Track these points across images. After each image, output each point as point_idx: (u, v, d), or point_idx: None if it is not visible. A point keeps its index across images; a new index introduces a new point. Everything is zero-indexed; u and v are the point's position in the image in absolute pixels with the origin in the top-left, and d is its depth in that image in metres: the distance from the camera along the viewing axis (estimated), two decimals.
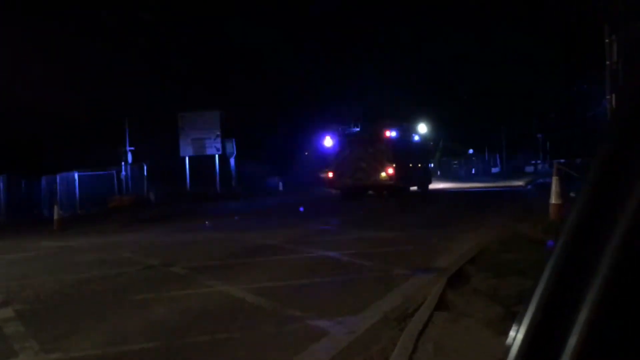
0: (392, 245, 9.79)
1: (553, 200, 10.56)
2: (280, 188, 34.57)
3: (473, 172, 60.31)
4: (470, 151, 63.87)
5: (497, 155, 63.53)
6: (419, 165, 28.16)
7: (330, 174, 24.64)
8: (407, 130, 27.66)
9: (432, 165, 36.39)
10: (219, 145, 31.33)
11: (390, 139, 24.03)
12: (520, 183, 36.15)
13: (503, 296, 5.31)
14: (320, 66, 44.98)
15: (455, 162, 62.24)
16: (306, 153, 51.57)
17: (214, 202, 25.36)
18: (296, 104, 43.21)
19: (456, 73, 53.63)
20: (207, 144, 31.17)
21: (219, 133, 31.27)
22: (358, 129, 25.52)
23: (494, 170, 60.59)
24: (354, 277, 7.00)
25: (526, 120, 58.31)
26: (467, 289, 5.81)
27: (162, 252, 10.08)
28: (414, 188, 26.73)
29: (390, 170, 23.44)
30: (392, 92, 46.34)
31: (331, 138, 24.58)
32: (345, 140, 24.25)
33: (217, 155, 31.72)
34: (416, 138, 28.47)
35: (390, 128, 24.58)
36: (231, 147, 33.39)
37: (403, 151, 24.90)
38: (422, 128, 32.92)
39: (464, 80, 54.21)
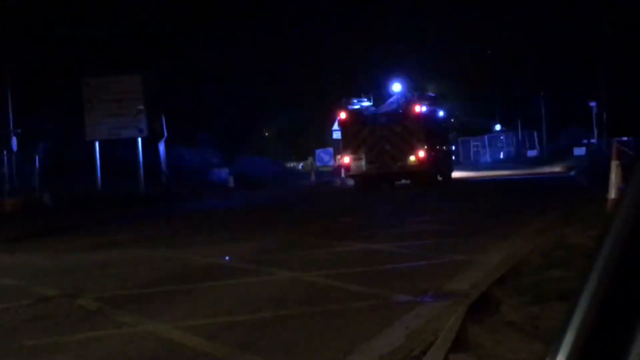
0: (393, 260, 9.87)
1: (612, 194, 10.72)
2: (231, 184, 34.59)
3: (501, 156, 60.91)
4: (497, 127, 64.52)
5: (535, 133, 64.14)
6: (444, 147, 30.38)
7: (347, 159, 26.66)
8: (435, 102, 29.82)
9: (454, 147, 38.24)
10: (142, 125, 31.06)
11: (421, 115, 26.22)
12: (557, 169, 37.66)
13: (546, 330, 5.37)
14: (289, 16, 45.05)
15: (477, 142, 62.88)
16: (266, 134, 51.76)
17: (138, 205, 25.21)
18: (254, 67, 43.20)
19: (476, 19, 53.97)
20: (124, 122, 30.87)
21: (141, 107, 30.96)
22: (369, 102, 27.70)
23: (531, 153, 61.20)
24: (337, 307, 7.03)
25: (575, 83, 58.91)
26: (496, 321, 5.86)
27: (62, 278, 9.97)
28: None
29: (422, 154, 25.73)
30: (387, 47, 46.67)
31: (346, 114, 26.62)
32: (361, 118, 26.35)
33: (139, 139, 31.45)
34: (440, 113, 30.63)
35: (422, 101, 27.05)
36: (160, 127, 33.13)
37: (433, 131, 27.36)
38: (410, 88, 33.26)
39: (488, 27, 54.58)
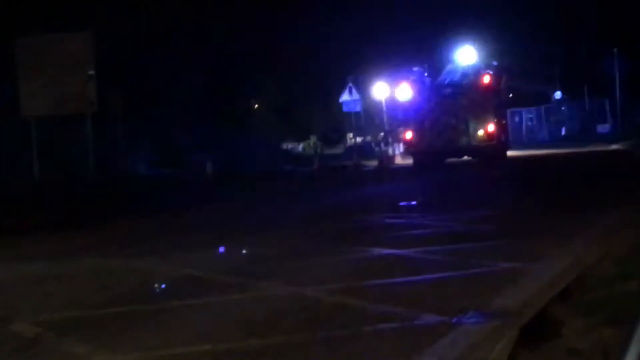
0: (423, 269, 9.87)
1: None
2: (209, 170, 34.64)
3: (563, 132, 60.73)
4: (557, 95, 64.26)
5: (607, 101, 63.84)
6: (504, 122, 35.08)
7: (410, 134, 31.54)
8: (500, 71, 34.78)
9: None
10: (93, 97, 31.02)
11: (490, 86, 31.08)
12: (615, 146, 38.67)
13: None
14: None
15: (531, 115, 62.65)
16: (256, 106, 51.67)
17: (89, 200, 25.22)
18: (239, 22, 43.10)
19: None
20: (71, 94, 30.82)
21: (92, 73, 30.92)
22: (424, 72, 32.72)
23: (602, 129, 60.95)
24: (349, 332, 7.01)
25: None
26: (556, 349, 5.84)
27: None
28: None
29: (492, 128, 30.66)
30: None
31: (410, 87, 31.73)
32: (424, 89, 31.69)
33: (89, 116, 31.44)
34: (502, 83, 35.25)
35: (488, 70, 32.10)
36: (117, 100, 33.11)
37: (500, 103, 32.76)
38: (467, 56, 34.20)
39: None
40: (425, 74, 32.77)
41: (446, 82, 32.13)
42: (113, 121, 33.80)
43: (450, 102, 30.65)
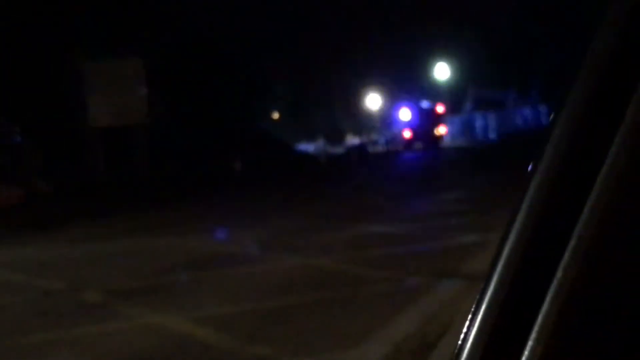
0: (413, 240, 9.90)
1: None
2: (238, 168, 34.51)
3: (493, 134, 58.70)
4: (511, 100, 62.72)
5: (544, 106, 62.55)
6: (445, 128, 51.43)
7: (408, 133, 48.01)
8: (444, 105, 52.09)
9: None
10: (145, 110, 31.25)
11: (441, 110, 49.11)
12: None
13: None
14: None
15: (484, 119, 61.18)
16: (276, 116, 51.33)
17: (142, 192, 25.24)
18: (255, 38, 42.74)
19: None
20: (127, 107, 31.07)
21: (145, 91, 31.19)
22: (415, 100, 50.47)
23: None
24: (349, 293, 7.02)
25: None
26: None
27: (67, 270, 10.00)
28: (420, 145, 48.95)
29: (443, 130, 48.91)
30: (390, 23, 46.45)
31: (409, 110, 48.61)
32: (411, 110, 49.23)
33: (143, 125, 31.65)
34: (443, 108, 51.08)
35: (440, 102, 50.67)
36: (163, 109, 33.35)
37: (443, 119, 50.66)
38: (442, 71, 34.04)
39: None
40: (414, 102, 49.55)
41: (422, 107, 48.78)
42: (160, 129, 33.85)
43: (424, 117, 47.61)
